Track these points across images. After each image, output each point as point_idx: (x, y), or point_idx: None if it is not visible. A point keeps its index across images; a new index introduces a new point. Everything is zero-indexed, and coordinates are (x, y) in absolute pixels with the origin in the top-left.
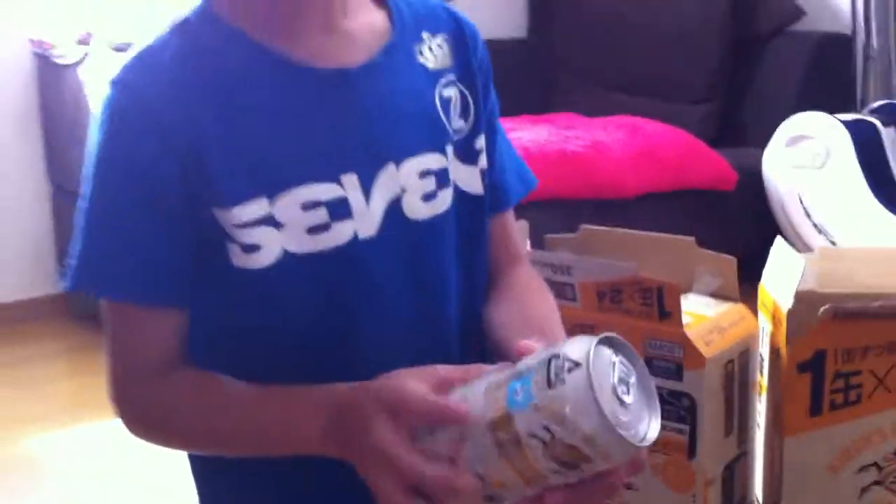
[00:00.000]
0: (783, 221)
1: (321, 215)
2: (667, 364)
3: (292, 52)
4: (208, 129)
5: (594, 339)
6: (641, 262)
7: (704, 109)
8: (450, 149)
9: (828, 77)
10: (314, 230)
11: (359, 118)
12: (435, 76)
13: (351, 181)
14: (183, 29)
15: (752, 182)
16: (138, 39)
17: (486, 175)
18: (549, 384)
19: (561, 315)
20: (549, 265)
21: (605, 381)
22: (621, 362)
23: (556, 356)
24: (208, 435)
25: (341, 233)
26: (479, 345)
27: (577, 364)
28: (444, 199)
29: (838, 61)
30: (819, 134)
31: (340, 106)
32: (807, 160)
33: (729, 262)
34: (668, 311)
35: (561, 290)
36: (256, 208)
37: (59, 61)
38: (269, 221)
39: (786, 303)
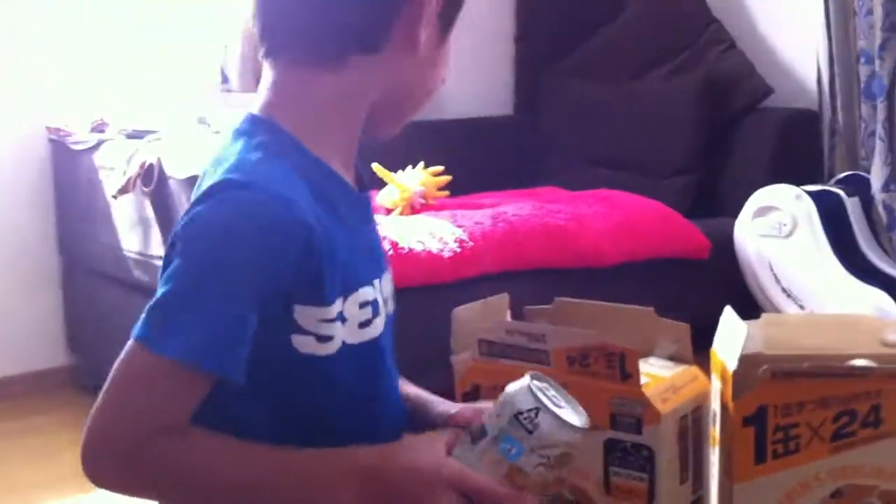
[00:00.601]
0: (754, 287)
1: (368, 313)
2: (629, 420)
3: (345, 177)
4: (324, 237)
5: (528, 384)
6: (608, 330)
7: (682, 182)
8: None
9: (797, 150)
10: (363, 325)
11: (374, 231)
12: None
13: (377, 284)
14: (269, 150)
15: (726, 250)
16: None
17: None
18: (529, 432)
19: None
20: (527, 334)
21: (553, 404)
22: (542, 385)
23: (520, 413)
24: (231, 491)
25: (377, 326)
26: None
27: (537, 409)
28: (393, 300)
29: (807, 135)
30: (786, 204)
31: (370, 222)
32: (774, 229)
33: (683, 328)
34: (628, 373)
35: (536, 356)
36: (338, 306)
37: (75, 147)
38: (340, 317)
39: (732, 364)
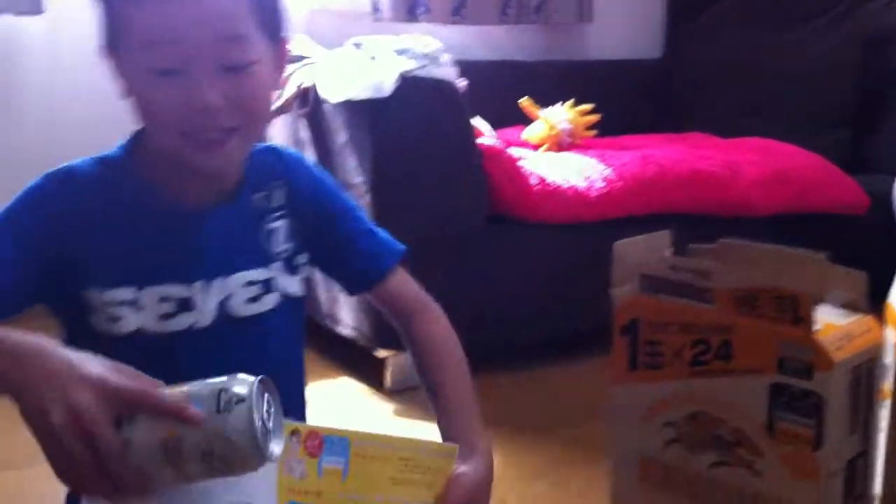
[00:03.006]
0: None
1: (171, 307)
2: (798, 365)
3: (171, 195)
4: (96, 237)
5: (255, 380)
6: (777, 273)
7: (835, 137)
8: (275, 265)
9: None
10: (164, 317)
11: (204, 244)
12: (266, 214)
13: (197, 286)
14: (104, 163)
15: (884, 207)
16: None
17: (353, 258)
18: (218, 410)
19: (699, 317)
20: (693, 271)
21: (259, 412)
22: (268, 398)
23: (225, 390)
24: None
25: (182, 322)
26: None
27: (241, 399)
28: (268, 302)
29: None
30: None
31: (194, 236)
32: None
33: (859, 276)
34: (800, 317)
35: (701, 294)
36: (125, 293)
37: None
38: (132, 304)
39: None
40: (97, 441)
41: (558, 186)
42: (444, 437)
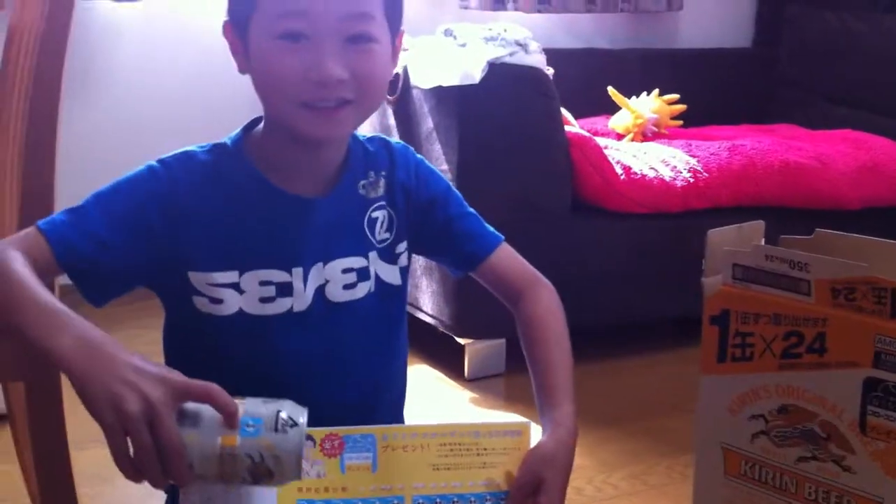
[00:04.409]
0: None
1: (271, 291)
2: (894, 359)
3: (278, 181)
4: (207, 221)
5: (305, 409)
6: (874, 265)
7: None
8: (373, 254)
9: None
10: (264, 300)
11: (307, 231)
12: (368, 203)
13: (297, 272)
14: (217, 150)
15: None
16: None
17: (457, 240)
18: (276, 430)
19: (793, 308)
20: (788, 261)
21: (304, 436)
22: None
23: (282, 411)
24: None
25: (281, 305)
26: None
27: (295, 423)
28: (363, 289)
29: None
30: None
31: (297, 222)
32: None
33: None
34: None
35: (795, 285)
36: (229, 276)
37: None
38: (235, 287)
39: None
40: (163, 432)
41: (643, 176)
42: (538, 409)
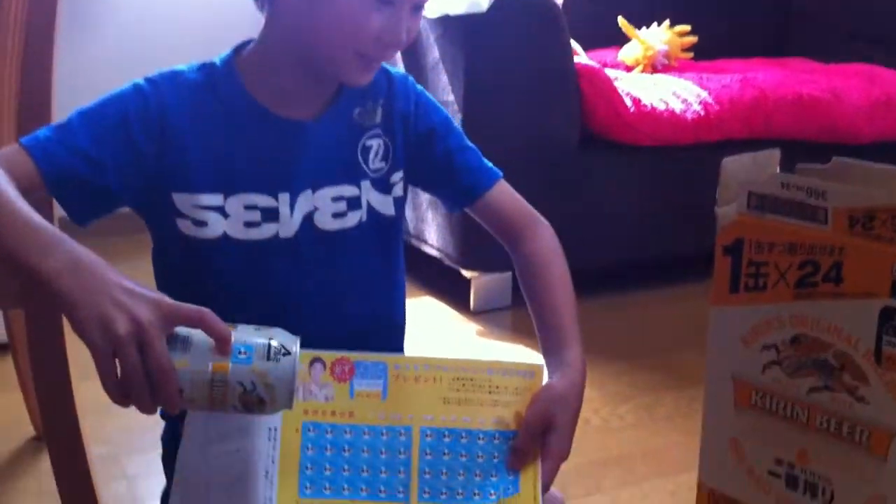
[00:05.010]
0: None
1: (256, 216)
2: None
3: (270, 104)
4: (194, 141)
5: (297, 338)
6: (893, 194)
7: None
8: (365, 183)
9: None
10: (249, 224)
11: (296, 156)
12: (363, 131)
13: (284, 198)
14: (206, 69)
15: None
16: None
17: (455, 173)
18: (268, 358)
19: (809, 237)
20: (805, 189)
21: (297, 366)
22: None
23: (274, 340)
24: None
25: (267, 230)
26: (377, 339)
27: (288, 352)
28: (353, 218)
29: None
30: None
31: (287, 146)
32: None
33: None
34: None
35: (812, 214)
36: (214, 199)
37: None
38: (220, 210)
39: None
40: (153, 355)
41: (653, 108)
42: (543, 351)
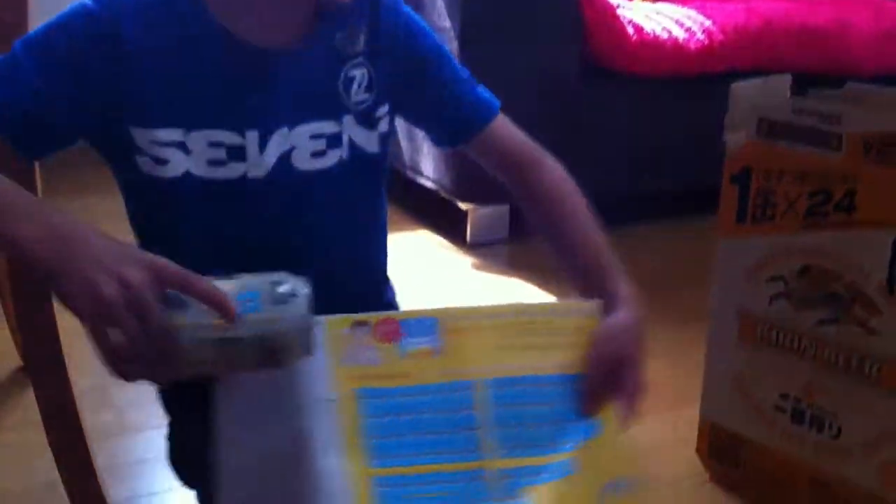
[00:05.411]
0: None
1: (220, 153)
2: None
3: (237, 28)
4: (151, 67)
5: (304, 279)
6: None
7: None
8: (347, 117)
9: None
10: (213, 163)
11: (268, 89)
12: (344, 59)
13: (252, 135)
14: None
15: None
16: None
17: (448, 107)
18: (276, 303)
19: (821, 165)
20: (818, 114)
21: (311, 307)
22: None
23: (280, 284)
24: None
25: (234, 170)
26: (356, 286)
27: (296, 294)
28: (332, 157)
29: None
30: None
31: (256, 77)
32: None
33: None
34: None
35: (826, 140)
36: (173, 134)
37: None
38: (181, 147)
39: None
40: (150, 318)
41: (657, 37)
42: (582, 290)
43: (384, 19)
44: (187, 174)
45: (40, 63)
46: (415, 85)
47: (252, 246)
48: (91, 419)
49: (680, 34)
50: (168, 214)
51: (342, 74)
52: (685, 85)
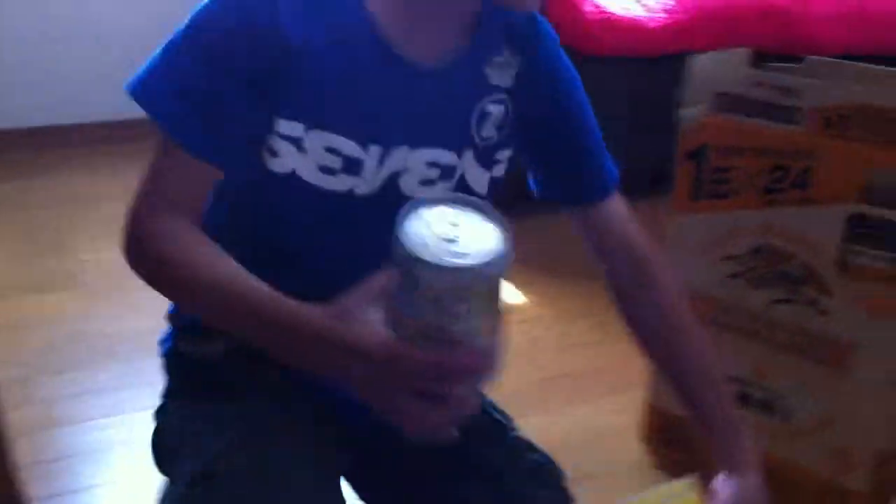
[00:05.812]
0: None
1: (335, 162)
2: (888, 194)
3: (389, 34)
4: (292, 60)
5: (417, 213)
6: (873, 91)
7: None
8: (469, 152)
9: None
10: (324, 170)
11: (403, 105)
12: (489, 90)
13: (374, 151)
14: None
15: None
16: None
17: (574, 167)
18: (415, 287)
19: (780, 140)
20: (778, 88)
21: (443, 239)
22: (437, 210)
23: (400, 265)
24: (210, 286)
25: (343, 182)
26: None
27: (414, 260)
28: (441, 189)
29: None
30: None
31: (396, 92)
32: None
33: None
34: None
35: (786, 115)
36: (293, 128)
37: None
38: (296, 143)
39: None
40: (412, 357)
41: (614, 14)
42: (705, 433)
43: (542, 59)
44: (293, 174)
45: (231, 86)
46: (548, 133)
47: (332, 257)
48: (12, 415)
49: (639, 11)
50: (261, 208)
51: (480, 107)
52: (644, 65)
